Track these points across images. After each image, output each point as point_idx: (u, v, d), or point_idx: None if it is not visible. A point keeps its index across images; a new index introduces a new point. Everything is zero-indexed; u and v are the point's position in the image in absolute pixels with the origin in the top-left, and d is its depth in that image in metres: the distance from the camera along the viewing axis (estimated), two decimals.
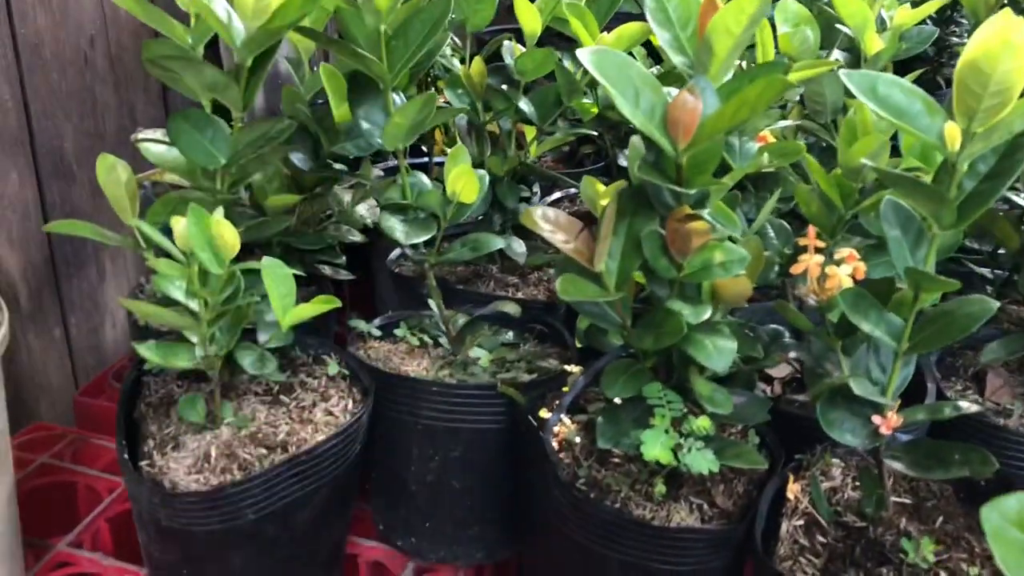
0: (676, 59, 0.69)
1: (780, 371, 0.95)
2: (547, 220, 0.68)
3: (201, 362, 0.76)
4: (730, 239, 0.70)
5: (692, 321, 0.67)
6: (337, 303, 0.77)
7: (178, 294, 0.73)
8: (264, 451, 0.75)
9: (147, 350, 0.73)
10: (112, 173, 0.82)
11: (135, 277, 1.43)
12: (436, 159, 1.31)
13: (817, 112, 1.02)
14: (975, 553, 0.69)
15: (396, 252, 1.12)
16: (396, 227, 0.81)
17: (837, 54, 1.07)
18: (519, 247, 1.06)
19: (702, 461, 0.67)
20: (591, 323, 0.77)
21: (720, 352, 0.68)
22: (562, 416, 0.79)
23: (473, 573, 0.91)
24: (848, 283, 0.68)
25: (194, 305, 0.74)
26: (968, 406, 0.68)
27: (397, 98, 0.85)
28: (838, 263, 0.69)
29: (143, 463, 0.75)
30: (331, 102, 0.90)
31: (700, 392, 0.71)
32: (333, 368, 0.86)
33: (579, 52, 0.60)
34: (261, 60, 0.79)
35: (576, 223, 0.69)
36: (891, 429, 0.66)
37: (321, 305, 0.77)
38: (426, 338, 0.92)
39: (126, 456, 0.74)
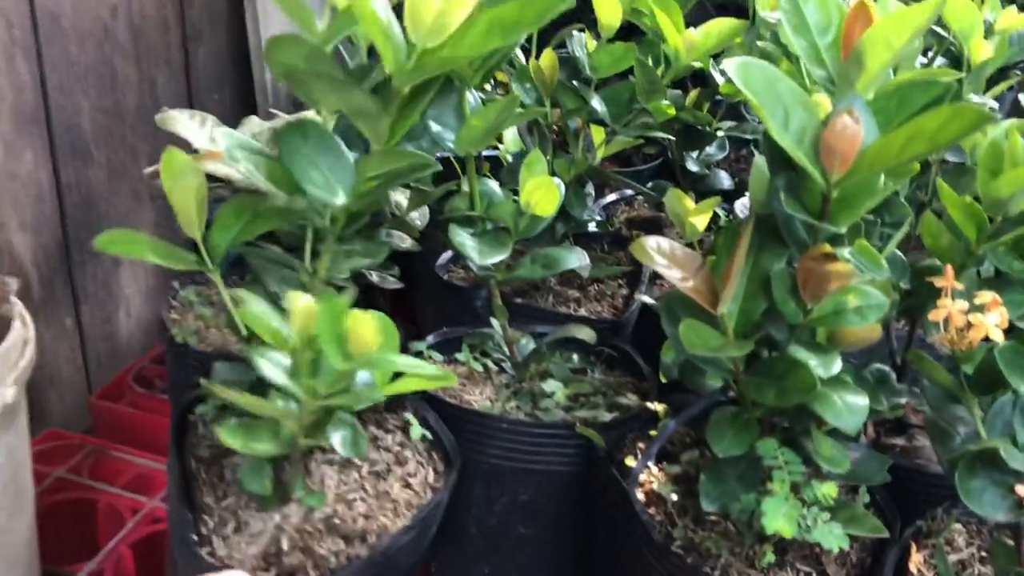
0: (813, 71, 0.59)
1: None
2: (662, 253, 0.59)
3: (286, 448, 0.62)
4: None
5: (822, 375, 0.59)
6: (450, 379, 0.61)
7: (277, 375, 0.58)
8: (342, 544, 0.63)
9: (229, 436, 0.58)
10: (181, 177, 0.67)
11: (152, 265, 1.34)
12: (484, 152, 1.22)
13: None
14: None
15: (446, 257, 1.04)
16: (467, 244, 0.72)
17: (939, 61, 0.98)
18: (583, 260, 0.97)
19: (831, 537, 0.59)
20: (687, 360, 0.68)
21: (850, 410, 0.59)
22: (649, 464, 0.71)
23: None
24: (998, 336, 0.59)
25: (296, 391, 0.59)
26: None
27: (471, 98, 0.75)
28: (980, 309, 0.61)
29: (203, 550, 0.62)
30: None
31: (820, 451, 0.62)
32: (416, 432, 0.73)
33: (726, 63, 0.51)
34: (421, 90, 0.62)
35: (694, 257, 0.60)
36: None
37: (436, 380, 0.63)
38: (489, 363, 0.83)
39: (199, 552, 0.60)
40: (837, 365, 0.60)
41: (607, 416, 0.75)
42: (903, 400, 0.73)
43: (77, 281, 1.23)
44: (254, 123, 1.20)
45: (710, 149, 1.10)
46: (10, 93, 1.06)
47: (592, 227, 1.00)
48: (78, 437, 1.03)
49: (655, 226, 1.15)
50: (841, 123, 0.52)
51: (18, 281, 0.69)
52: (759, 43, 0.85)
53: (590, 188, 1.11)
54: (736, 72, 0.51)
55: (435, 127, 0.75)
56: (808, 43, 0.59)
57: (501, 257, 0.71)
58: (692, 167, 1.09)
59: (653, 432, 0.73)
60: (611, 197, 1.20)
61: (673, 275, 0.58)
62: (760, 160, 0.61)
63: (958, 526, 0.70)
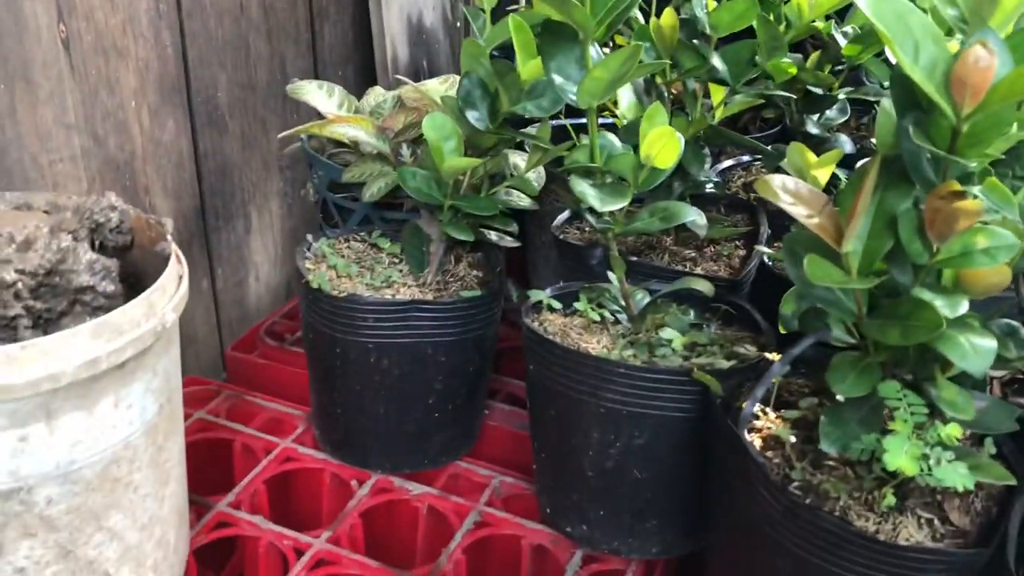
0: (944, 9, 0.59)
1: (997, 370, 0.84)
2: (787, 191, 0.60)
3: None
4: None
5: (948, 315, 0.58)
6: None
7: None
8: None
9: None
10: None
11: (280, 229, 1.41)
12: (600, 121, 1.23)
13: None
14: None
15: (563, 217, 1.06)
16: (588, 192, 0.74)
17: None
18: (700, 218, 0.97)
19: (955, 475, 0.59)
20: (810, 307, 0.69)
21: (977, 352, 0.58)
22: (767, 410, 0.71)
23: (644, 567, 0.85)
24: None
25: None
26: None
27: (593, 51, 0.77)
28: None
29: None
30: (518, 57, 0.84)
31: (943, 395, 0.62)
32: None
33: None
34: None
35: (820, 195, 0.61)
36: None
37: None
38: (606, 313, 0.85)
39: None
40: (964, 306, 0.59)
41: (724, 364, 0.76)
42: None
43: (212, 246, 1.30)
44: (378, 91, 1.25)
45: (831, 113, 1.09)
46: (156, 64, 1.13)
47: (709, 188, 1.00)
48: (216, 383, 1.11)
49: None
50: (974, 55, 0.51)
51: (172, 222, 0.75)
52: None
53: (707, 151, 1.11)
54: (867, 4, 0.51)
55: (558, 79, 0.77)
56: None
57: (621, 204, 0.73)
58: (813, 130, 1.08)
59: (774, 380, 0.73)
60: (728, 162, 1.20)
61: (799, 212, 0.59)
62: (887, 102, 0.61)
63: None
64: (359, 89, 1.55)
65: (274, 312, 1.28)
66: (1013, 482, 0.64)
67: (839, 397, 0.65)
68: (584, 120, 1.24)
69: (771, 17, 0.93)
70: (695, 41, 0.94)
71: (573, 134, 1.24)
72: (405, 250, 0.95)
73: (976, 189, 0.57)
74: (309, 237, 0.97)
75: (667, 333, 0.79)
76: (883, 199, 0.60)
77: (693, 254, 0.99)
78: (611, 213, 0.81)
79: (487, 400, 1.03)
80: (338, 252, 0.97)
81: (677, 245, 1.00)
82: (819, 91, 1.06)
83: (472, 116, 0.91)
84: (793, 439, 0.68)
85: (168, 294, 0.66)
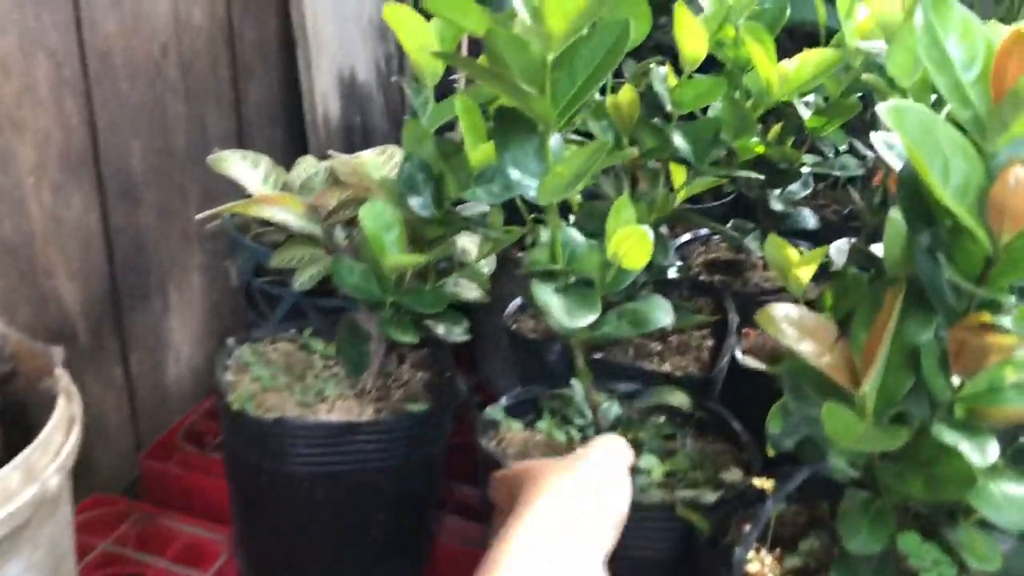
0: (958, 111, 0.52)
1: None
2: (791, 323, 0.52)
3: None
4: None
5: (979, 463, 0.50)
6: None
7: None
8: None
9: None
10: None
11: (203, 306, 1.29)
12: None
13: None
14: None
15: (516, 304, 0.97)
16: (552, 304, 0.65)
17: None
18: (669, 316, 0.89)
19: None
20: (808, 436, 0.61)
21: (1014, 505, 0.51)
22: (760, 549, 0.63)
23: None
24: None
25: None
26: None
27: (554, 142, 0.68)
28: None
29: None
30: (467, 141, 0.75)
31: (971, 549, 0.54)
32: None
33: (880, 107, 0.44)
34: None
35: (829, 328, 0.53)
36: None
37: None
38: (572, 431, 0.75)
39: None
40: (995, 451, 0.51)
41: (711, 497, 0.67)
42: None
43: (126, 329, 1.18)
44: (309, 162, 1.14)
45: (793, 187, 1.03)
46: (59, 135, 1.02)
47: (672, 273, 0.92)
48: (125, 502, 0.98)
49: (736, 269, 1.07)
50: (1013, 177, 0.44)
51: (63, 351, 0.63)
52: (865, 76, 0.78)
53: (664, 228, 1.04)
54: (890, 117, 0.44)
55: (515, 173, 0.68)
56: (951, 80, 0.51)
57: (591, 318, 0.64)
58: (775, 205, 1.01)
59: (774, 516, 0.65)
60: (685, 237, 1.13)
61: (806, 349, 0.51)
62: (896, 213, 0.53)
63: None
64: (290, 150, 1.45)
65: (195, 408, 1.16)
66: None
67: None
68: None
69: (736, 94, 0.86)
70: (655, 120, 0.86)
71: (524, 211, 1.16)
72: (340, 351, 0.85)
73: (1007, 319, 0.50)
74: (230, 342, 0.86)
75: (645, 461, 0.70)
76: (899, 328, 0.52)
77: (659, 347, 0.91)
78: None
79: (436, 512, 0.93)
80: (264, 358, 0.85)
81: (641, 337, 0.92)
82: (781, 164, 0.99)
83: (415, 203, 0.82)
84: None
85: (53, 450, 0.54)
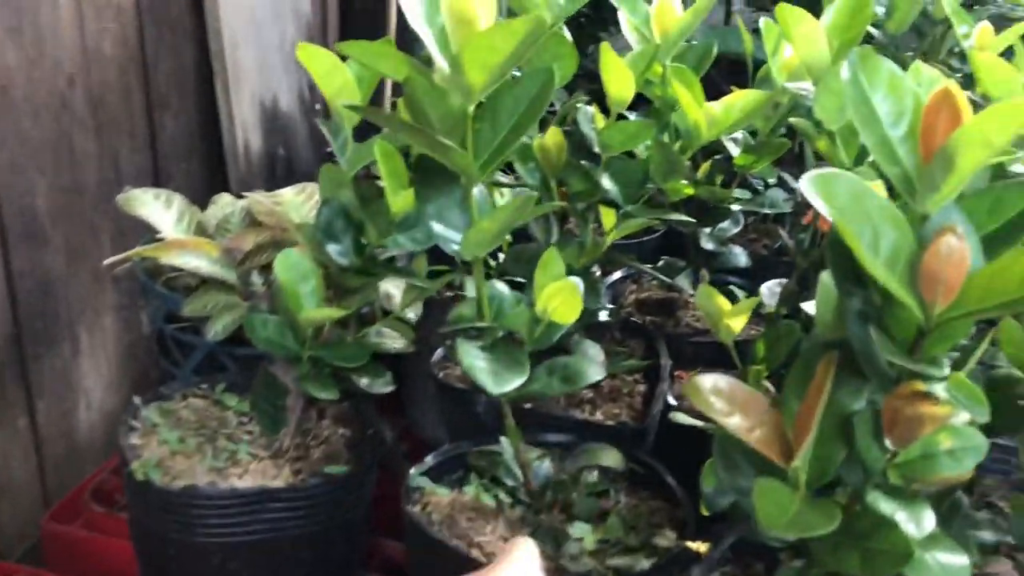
0: (886, 169, 0.50)
1: None
2: (720, 395, 0.49)
3: None
4: None
5: (915, 535, 0.49)
6: None
7: None
8: None
9: None
10: None
11: (115, 349, 1.23)
12: None
13: None
14: None
15: (440, 353, 0.93)
16: (479, 367, 0.62)
17: None
18: (596, 354, 0.87)
19: None
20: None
21: (950, 575, 0.49)
22: None
23: None
24: None
25: None
26: None
27: (477, 193, 0.65)
28: None
29: None
30: (387, 188, 0.72)
31: None
32: None
33: (803, 179, 0.42)
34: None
35: (759, 400, 0.50)
36: None
37: None
38: (501, 494, 0.72)
39: None
40: (930, 521, 0.50)
41: (645, 564, 0.64)
42: (987, 537, 0.64)
43: (32, 376, 1.11)
44: (225, 201, 1.09)
45: (724, 224, 1.01)
46: None
47: (604, 316, 0.90)
48: (27, 571, 0.91)
49: (668, 308, 1.06)
50: (946, 245, 0.42)
51: None
52: (792, 120, 0.77)
53: (596, 269, 1.02)
54: (816, 188, 0.42)
55: (437, 227, 0.65)
56: (878, 137, 0.50)
57: (519, 382, 0.61)
58: (707, 244, 1.00)
59: None
60: (617, 275, 1.11)
61: (736, 424, 0.48)
62: (827, 276, 0.52)
63: None
64: (208, 183, 1.39)
65: (105, 464, 1.09)
66: None
67: None
68: None
69: (665, 136, 0.85)
70: (584, 162, 0.84)
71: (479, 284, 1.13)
72: (256, 407, 0.80)
73: (940, 387, 0.48)
74: (136, 401, 0.80)
75: (576, 529, 0.67)
76: (832, 397, 0.50)
77: (591, 394, 0.89)
78: None
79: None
80: (173, 418, 0.80)
81: None
82: (712, 204, 0.98)
83: (334, 250, 0.78)
84: None
85: None
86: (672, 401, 0.87)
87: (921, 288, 0.43)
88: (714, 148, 0.98)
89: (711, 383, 0.50)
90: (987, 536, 0.64)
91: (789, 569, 0.55)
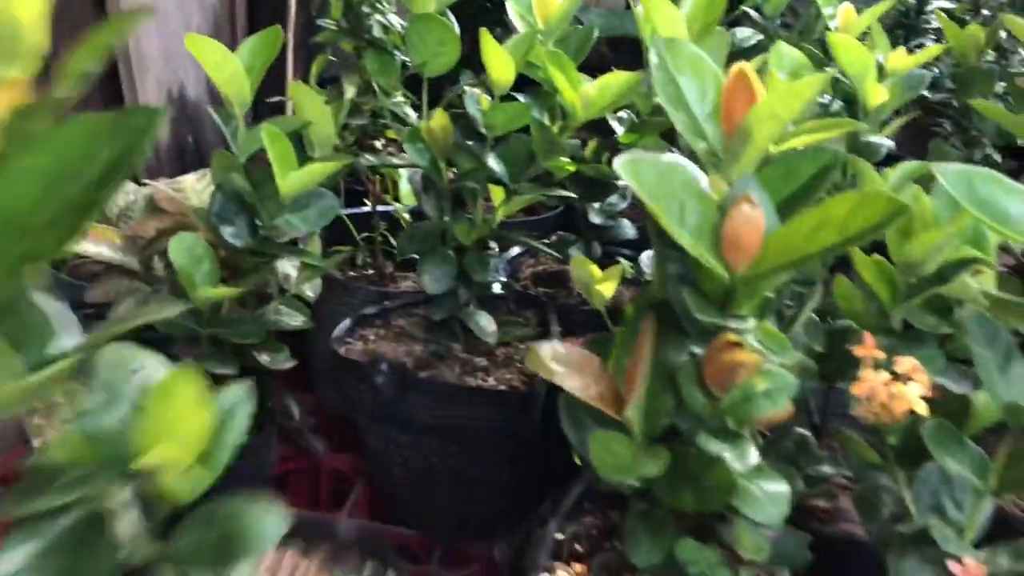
0: (696, 144, 0.56)
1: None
2: (559, 360, 0.54)
3: None
4: None
5: (739, 469, 0.55)
6: None
7: None
8: None
9: None
10: None
11: None
12: (380, 208, 1.17)
13: None
14: None
15: (344, 326, 0.97)
16: None
17: (836, 106, 0.97)
18: (488, 324, 0.92)
19: None
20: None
21: (773, 502, 0.55)
22: (548, 566, 0.66)
23: None
24: (922, 408, 0.57)
25: None
26: None
27: None
28: (901, 378, 0.59)
29: None
30: (276, 170, 0.76)
31: (742, 544, 0.58)
32: None
33: (616, 161, 0.47)
34: None
35: (592, 359, 0.56)
36: None
37: None
38: None
39: None
40: (754, 456, 0.56)
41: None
42: (827, 470, 0.70)
43: None
44: (128, 189, 1.11)
45: (612, 199, 1.07)
46: None
47: (497, 288, 0.95)
48: None
49: (561, 280, 1.11)
50: (741, 213, 0.48)
51: None
52: (656, 100, 0.82)
53: (494, 245, 1.07)
54: (626, 171, 0.47)
55: None
56: (687, 116, 0.56)
57: None
58: (595, 219, 1.06)
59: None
60: (516, 250, 1.16)
61: (574, 385, 0.54)
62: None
63: None
64: None
65: (14, 452, 1.11)
66: None
67: None
68: (367, 209, 1.17)
69: (546, 114, 0.89)
70: (470, 142, 0.89)
71: (354, 232, 1.17)
72: None
73: (751, 336, 0.54)
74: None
75: None
76: (659, 352, 0.55)
77: (485, 362, 0.94)
78: None
79: None
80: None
81: (468, 353, 0.94)
82: (600, 178, 1.03)
83: (228, 233, 0.82)
84: None
85: None
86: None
87: (724, 252, 0.49)
88: (601, 129, 1.03)
89: (550, 350, 0.55)
90: (828, 470, 0.71)
91: (637, 511, 0.60)
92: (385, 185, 1.19)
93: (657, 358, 0.54)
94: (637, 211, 1.30)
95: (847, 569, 0.73)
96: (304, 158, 0.86)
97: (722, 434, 0.57)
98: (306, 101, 0.85)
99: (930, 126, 1.29)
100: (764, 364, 0.54)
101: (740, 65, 0.51)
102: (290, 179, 0.79)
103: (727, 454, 0.56)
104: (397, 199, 1.17)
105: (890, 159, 1.58)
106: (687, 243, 0.48)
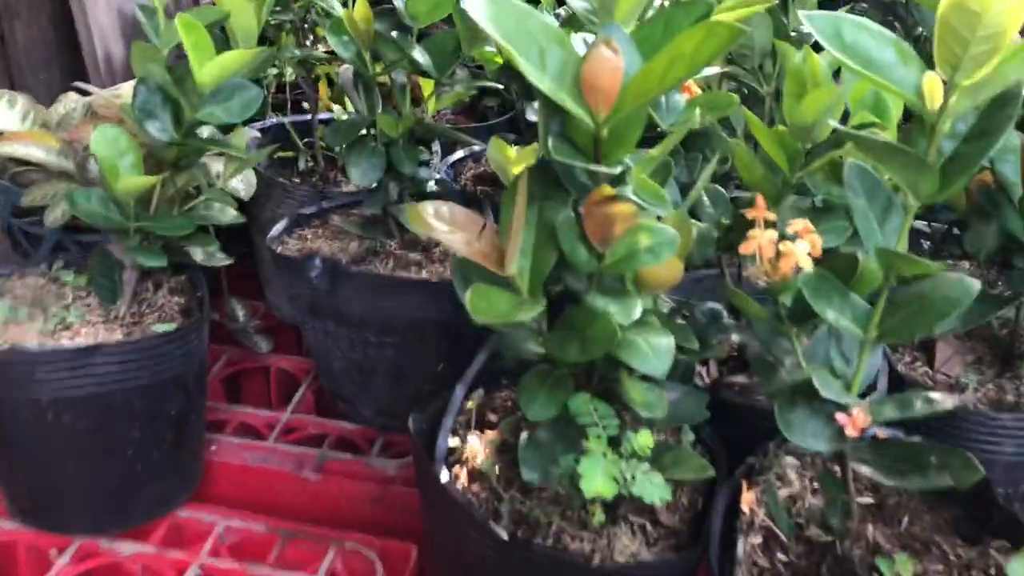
0: (575, 3, 0.56)
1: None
2: (441, 219, 0.55)
3: None
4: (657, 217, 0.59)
5: (622, 322, 0.56)
6: None
7: None
8: None
9: None
10: None
11: None
12: (320, 116, 1.17)
13: (742, 56, 0.91)
14: (951, 562, 0.61)
15: (280, 226, 0.98)
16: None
17: None
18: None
19: (652, 489, 0.57)
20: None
21: (657, 353, 0.57)
22: (468, 438, 0.67)
23: None
24: (807, 263, 0.57)
25: None
26: (941, 399, 0.59)
27: None
28: (792, 239, 0.59)
29: None
30: (192, 60, 0.76)
31: (633, 398, 0.60)
32: None
33: (465, 3, 0.47)
34: None
35: (476, 219, 0.57)
36: (859, 430, 0.57)
37: None
38: None
39: None
40: (637, 309, 0.57)
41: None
42: (732, 337, 0.72)
43: None
44: (71, 99, 1.11)
45: None
46: None
47: (432, 186, 0.95)
48: None
49: (499, 181, 1.11)
50: (600, 56, 0.48)
51: None
52: None
53: (436, 146, 1.07)
54: (483, 13, 0.47)
55: None
56: None
57: None
58: (533, 117, 1.05)
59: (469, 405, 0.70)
60: (459, 154, 1.16)
61: (456, 240, 0.55)
62: (541, 105, 0.57)
63: (790, 459, 0.69)
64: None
65: None
66: (711, 474, 0.63)
67: None
68: (308, 118, 1.16)
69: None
70: (395, 33, 0.88)
71: (295, 137, 1.17)
72: (93, 281, 0.85)
73: (629, 190, 0.55)
74: None
75: None
76: (542, 210, 0.56)
77: (419, 257, 0.95)
78: None
79: (212, 435, 0.95)
80: (9, 293, 0.85)
81: (403, 249, 0.95)
82: None
83: (152, 127, 0.82)
84: (498, 469, 0.65)
85: None
86: None
87: (586, 97, 0.49)
88: None
89: (433, 208, 0.56)
90: (735, 336, 0.72)
91: (535, 371, 0.62)
92: (333, 95, 1.19)
93: (542, 216, 0.55)
94: None
95: (761, 438, 0.74)
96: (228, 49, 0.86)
97: (611, 292, 0.58)
98: None
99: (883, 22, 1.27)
100: (641, 216, 0.55)
101: None
102: (207, 68, 0.79)
103: (612, 308, 0.57)
104: (344, 108, 1.17)
105: None
106: (547, 88, 0.48)
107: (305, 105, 1.18)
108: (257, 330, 1.07)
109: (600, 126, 0.50)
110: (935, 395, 0.59)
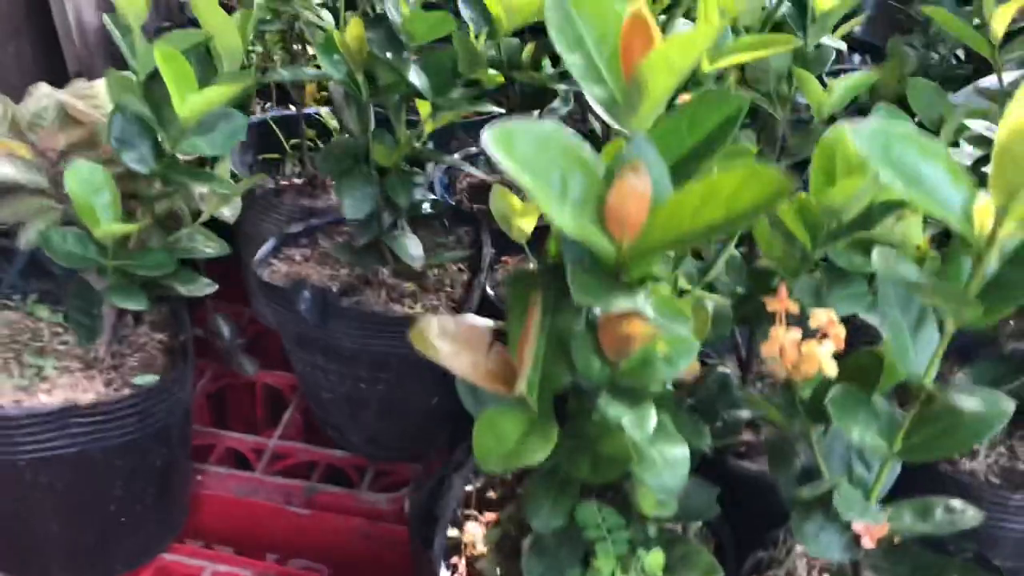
0: (593, 90, 0.51)
1: None
2: (446, 337, 0.51)
3: None
4: None
5: (637, 437, 0.53)
6: None
7: None
8: None
9: None
10: None
11: None
12: (306, 110, 1.11)
13: (758, 79, 0.86)
14: None
15: (267, 247, 0.94)
16: None
17: (785, 8, 0.90)
18: (415, 248, 0.88)
19: None
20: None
21: (670, 466, 0.54)
22: (460, 520, 0.65)
23: None
24: (831, 369, 0.54)
25: None
26: (962, 509, 0.57)
27: None
28: (814, 333, 0.56)
29: None
30: (172, 94, 0.71)
31: (645, 504, 0.57)
32: None
33: (484, 132, 0.42)
34: None
35: (482, 333, 0.52)
36: (876, 540, 0.56)
37: None
38: None
39: None
40: (652, 421, 0.54)
41: None
42: (742, 415, 0.69)
43: None
44: (42, 91, 1.04)
45: (555, 104, 1.01)
46: None
47: (426, 208, 0.90)
48: None
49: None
50: (626, 184, 0.44)
51: None
52: None
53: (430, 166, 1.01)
54: (498, 145, 0.42)
55: None
56: (585, 59, 0.50)
57: None
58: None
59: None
60: (455, 156, 1.11)
61: (463, 364, 0.51)
62: None
63: (800, 548, 0.67)
64: (42, 64, 1.33)
65: None
66: (720, 574, 0.61)
67: None
68: (293, 111, 1.11)
69: (472, 27, 0.83)
70: (390, 54, 0.82)
71: (281, 137, 1.11)
72: (71, 318, 0.80)
73: (647, 307, 0.51)
74: None
75: None
76: (554, 319, 0.52)
77: (413, 287, 0.90)
78: None
79: (197, 464, 0.92)
80: None
81: (396, 278, 0.91)
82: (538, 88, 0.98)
83: (131, 159, 0.77)
84: (499, 572, 0.62)
85: None
86: (489, 291, 0.90)
87: (609, 226, 0.45)
88: (539, 33, 0.96)
89: (438, 327, 0.51)
90: (744, 415, 0.70)
91: (539, 473, 0.59)
92: (319, 86, 1.12)
93: (553, 326, 0.51)
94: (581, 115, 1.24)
95: (765, 504, 0.72)
96: (213, 71, 0.80)
97: (624, 395, 0.55)
98: (206, 10, 0.78)
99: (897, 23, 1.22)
100: (659, 334, 0.51)
101: (637, 5, 0.46)
102: (189, 103, 0.74)
103: (625, 419, 0.54)
104: (329, 101, 1.10)
105: (864, 47, 1.50)
106: (568, 225, 0.44)
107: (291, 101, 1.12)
108: (244, 348, 1.03)
109: (624, 255, 0.46)
110: (954, 502, 0.57)
